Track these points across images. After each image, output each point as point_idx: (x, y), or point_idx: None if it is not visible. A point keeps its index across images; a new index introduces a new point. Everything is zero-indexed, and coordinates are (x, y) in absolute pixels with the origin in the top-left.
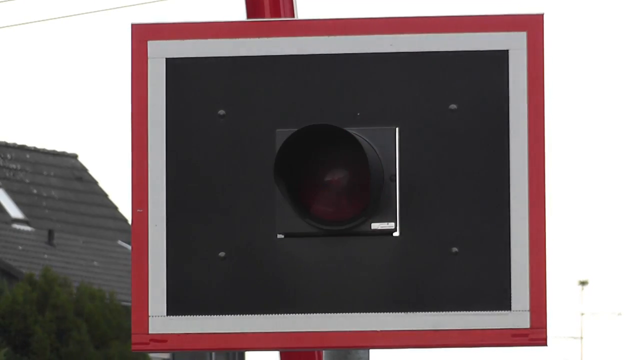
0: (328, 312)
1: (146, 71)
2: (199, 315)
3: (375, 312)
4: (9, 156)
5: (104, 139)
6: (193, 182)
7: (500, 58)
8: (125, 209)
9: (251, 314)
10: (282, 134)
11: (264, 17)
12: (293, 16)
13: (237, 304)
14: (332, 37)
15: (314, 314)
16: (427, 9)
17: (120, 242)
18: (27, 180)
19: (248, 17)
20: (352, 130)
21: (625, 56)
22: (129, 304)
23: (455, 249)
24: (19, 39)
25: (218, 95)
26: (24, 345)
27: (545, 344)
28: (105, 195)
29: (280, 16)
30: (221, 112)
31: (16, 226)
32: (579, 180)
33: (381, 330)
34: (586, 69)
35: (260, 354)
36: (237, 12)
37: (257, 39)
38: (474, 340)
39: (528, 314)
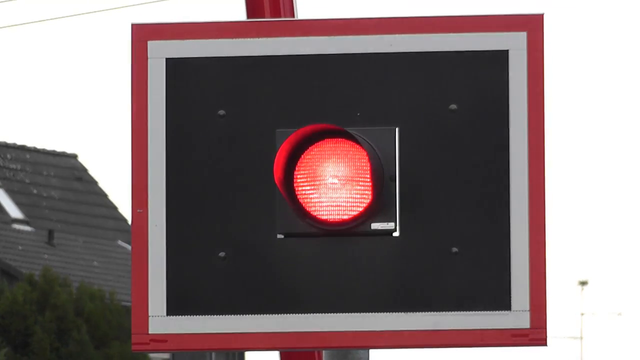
0: (328, 312)
1: (146, 71)
2: (199, 315)
3: (375, 312)
4: (9, 156)
5: (104, 139)
6: (193, 182)
7: (500, 58)
8: (125, 209)
9: (251, 314)
10: (282, 134)
11: (264, 17)
12: (293, 16)
13: (237, 304)
14: (332, 37)
15: (314, 314)
16: (427, 9)
17: (120, 242)
18: (27, 180)
19: (248, 17)
20: (352, 130)
21: (625, 56)
22: (129, 304)
23: (455, 249)
24: (19, 39)
25: (218, 95)
26: (24, 345)
27: (545, 344)
28: (105, 195)
29: (280, 16)
30: (221, 112)
31: (16, 226)
32: (579, 180)
33: (381, 330)
34: (586, 69)
35: (260, 354)
36: (237, 12)
37: (257, 39)
38: (474, 340)
39: (528, 314)
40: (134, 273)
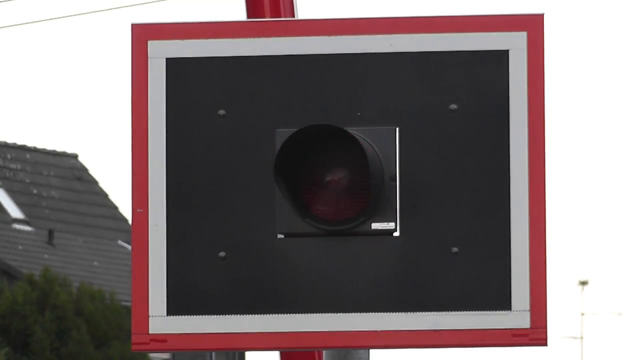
0: (328, 312)
1: (146, 71)
2: (199, 315)
3: (375, 312)
4: (9, 156)
5: (104, 139)
6: (193, 182)
7: (500, 58)
8: (125, 209)
9: (251, 314)
10: (282, 134)
11: (264, 17)
12: (293, 16)
13: (237, 304)
14: (332, 37)
15: (314, 314)
16: (427, 9)
17: (120, 242)
18: (27, 180)
19: (248, 17)
20: (352, 130)
21: (625, 56)
22: (129, 304)
23: (455, 249)
24: (19, 39)
25: (218, 95)
26: (24, 345)
27: (545, 344)
28: (105, 195)
29: (280, 16)
30: (221, 112)
31: (16, 226)
32: (579, 180)
33: (381, 330)
34: (586, 69)
35: (260, 354)
36: (237, 12)
37: (257, 39)
38: (474, 340)
39: (528, 314)
40: (134, 273)
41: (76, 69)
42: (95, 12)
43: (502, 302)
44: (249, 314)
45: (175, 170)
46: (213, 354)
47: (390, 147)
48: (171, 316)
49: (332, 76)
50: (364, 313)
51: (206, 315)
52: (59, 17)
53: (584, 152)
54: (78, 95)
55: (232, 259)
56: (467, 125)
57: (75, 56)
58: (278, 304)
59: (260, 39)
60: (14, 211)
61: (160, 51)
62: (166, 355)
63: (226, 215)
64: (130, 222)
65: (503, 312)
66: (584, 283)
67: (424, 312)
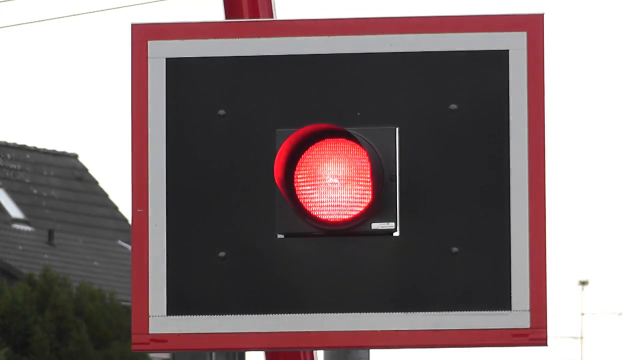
0: (328, 312)
1: (146, 71)
2: (199, 315)
3: (375, 312)
4: (9, 156)
5: (104, 139)
6: (193, 182)
7: (500, 58)
8: (125, 209)
9: (251, 314)
10: (282, 134)
11: (242, 17)
12: (271, 16)
13: (237, 304)
14: (331, 37)
15: (314, 314)
16: (427, 9)
17: (120, 242)
18: (27, 180)
19: (226, 17)
20: (352, 130)
21: (625, 56)
22: (129, 304)
23: (455, 249)
24: (19, 39)
25: (218, 95)
26: (24, 345)
27: (545, 344)
28: (105, 195)
29: (258, 16)
30: (221, 112)
31: (16, 226)
32: (579, 180)
33: (381, 330)
34: (586, 69)
35: (260, 354)
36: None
37: (257, 39)
38: (474, 340)
39: (528, 314)
40: (134, 273)
41: (76, 69)
42: (95, 12)
43: (502, 302)
44: (248, 314)
45: (175, 170)
46: (213, 354)
47: (390, 147)
48: (171, 316)
49: (332, 76)
50: (364, 313)
51: (206, 315)
52: (59, 17)
53: (584, 152)
54: (78, 95)
55: (232, 259)
56: (467, 125)
57: (75, 56)
58: (278, 304)
59: (260, 39)
60: (14, 211)
61: (160, 51)
62: (166, 355)
63: (226, 215)
64: (130, 222)
65: (503, 312)
66: (584, 283)
67: (424, 312)
